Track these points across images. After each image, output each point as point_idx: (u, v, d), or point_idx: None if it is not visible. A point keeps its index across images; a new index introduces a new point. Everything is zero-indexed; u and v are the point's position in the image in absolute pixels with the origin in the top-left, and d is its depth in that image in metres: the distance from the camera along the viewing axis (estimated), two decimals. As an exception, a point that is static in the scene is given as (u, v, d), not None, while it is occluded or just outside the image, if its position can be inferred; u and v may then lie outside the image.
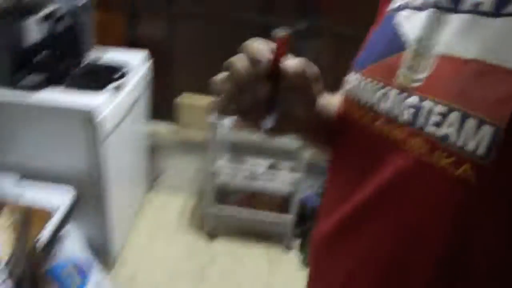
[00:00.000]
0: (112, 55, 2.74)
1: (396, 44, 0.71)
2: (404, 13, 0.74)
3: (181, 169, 3.42)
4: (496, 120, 0.52)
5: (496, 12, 0.58)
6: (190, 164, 3.37)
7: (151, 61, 2.91)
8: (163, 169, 3.46)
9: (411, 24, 0.70)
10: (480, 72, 0.56)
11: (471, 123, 0.55)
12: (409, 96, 0.65)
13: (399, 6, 0.76)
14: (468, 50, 0.59)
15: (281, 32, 0.65)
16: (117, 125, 2.41)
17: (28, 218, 1.91)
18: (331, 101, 0.89)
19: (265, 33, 0.72)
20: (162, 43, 3.25)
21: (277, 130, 0.71)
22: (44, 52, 2.30)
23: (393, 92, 0.69)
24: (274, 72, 0.65)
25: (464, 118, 0.56)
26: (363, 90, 0.75)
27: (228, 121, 2.71)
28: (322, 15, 3.02)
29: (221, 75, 0.67)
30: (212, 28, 3.21)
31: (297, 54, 0.67)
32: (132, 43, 3.19)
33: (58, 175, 2.33)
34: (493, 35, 0.57)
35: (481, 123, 0.54)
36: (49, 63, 2.31)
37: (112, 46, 2.94)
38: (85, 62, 2.57)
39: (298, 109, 0.72)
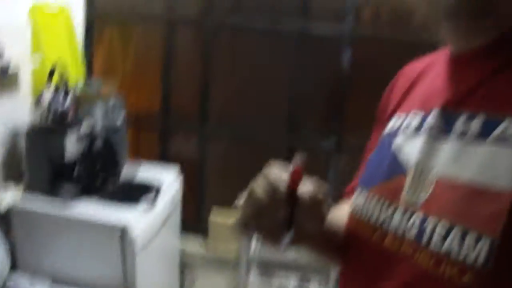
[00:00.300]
0: (146, 171, 2.79)
1: (397, 167, 0.81)
2: (400, 138, 0.85)
3: (212, 285, 3.35)
4: (491, 234, 0.61)
5: (482, 140, 0.68)
6: (221, 280, 3.31)
7: (182, 177, 2.95)
8: (194, 285, 3.40)
9: (408, 149, 0.81)
10: (474, 193, 0.66)
11: (470, 237, 0.64)
12: (413, 214, 0.74)
13: (394, 131, 0.88)
14: (461, 174, 0.69)
15: (297, 161, 0.75)
16: (150, 241, 2.39)
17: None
18: (336, 213, 0.98)
19: (290, 152, 0.79)
20: (193, 160, 3.31)
21: (293, 245, 0.79)
22: (81, 167, 2.35)
23: (399, 211, 0.77)
24: (290, 196, 0.75)
25: (464, 233, 0.64)
26: (371, 208, 0.84)
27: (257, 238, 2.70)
28: (347, 132, 3.08)
29: (243, 199, 0.78)
30: (241, 147, 3.29)
31: (324, 170, 0.74)
32: (165, 159, 3.27)
33: (88, 285, 2.29)
34: (480, 161, 0.67)
35: (479, 237, 0.63)
36: (86, 177, 2.35)
37: (146, 161, 3.00)
38: (121, 177, 2.62)
39: (310, 226, 0.79)
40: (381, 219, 0.81)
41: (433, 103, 0.80)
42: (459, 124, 0.73)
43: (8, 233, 2.31)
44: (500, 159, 0.65)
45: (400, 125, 0.87)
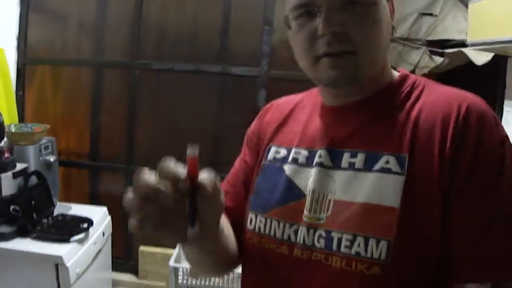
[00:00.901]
0: (77, 210, 2.88)
1: (295, 193, 0.97)
2: (291, 169, 1.00)
3: None
4: (387, 238, 0.82)
5: (368, 169, 0.89)
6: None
7: (109, 216, 3.04)
8: None
9: (303, 177, 0.97)
10: (369, 210, 0.85)
11: (372, 242, 0.83)
12: (317, 230, 0.91)
13: (280, 161, 1.03)
14: (355, 196, 0.88)
15: (191, 150, 0.71)
16: (84, 271, 2.50)
17: None
18: None
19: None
20: (120, 199, 3.39)
21: (197, 240, 0.73)
22: (17, 205, 2.44)
23: (303, 229, 0.92)
24: (191, 187, 0.70)
25: (367, 240, 0.84)
26: (273, 228, 0.97)
27: (187, 268, 2.83)
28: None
29: (133, 199, 0.71)
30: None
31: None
32: (94, 198, 3.37)
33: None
34: (370, 185, 0.87)
35: (378, 241, 0.82)
36: (22, 215, 2.44)
37: (77, 200, 3.10)
38: (54, 214, 2.70)
39: (211, 217, 0.76)
40: (285, 236, 0.95)
41: (317, 142, 0.98)
42: (345, 159, 0.92)
43: None
44: (386, 184, 0.85)
45: (286, 157, 1.02)
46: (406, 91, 0.94)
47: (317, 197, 0.93)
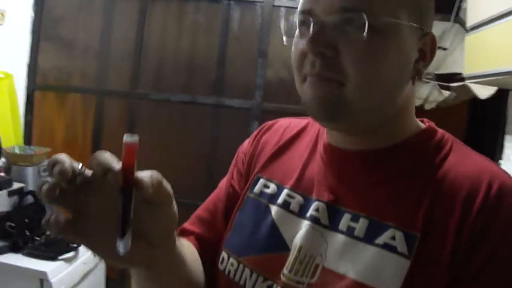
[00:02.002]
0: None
1: (278, 243, 0.81)
2: (280, 212, 0.84)
3: None
4: None
5: (369, 241, 0.72)
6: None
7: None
8: None
9: (291, 228, 0.81)
10: None
11: None
12: None
13: (267, 198, 0.87)
14: (348, 269, 0.72)
15: (130, 138, 0.55)
16: (69, 289, 2.61)
17: None
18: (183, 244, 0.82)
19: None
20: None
21: (131, 257, 0.59)
22: (11, 222, 2.59)
23: (277, 287, 0.78)
24: (124, 184, 0.54)
25: None
26: (244, 277, 0.82)
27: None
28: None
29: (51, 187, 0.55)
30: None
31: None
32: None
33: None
34: (368, 261, 0.71)
35: None
36: (15, 232, 2.58)
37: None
38: (47, 234, 2.82)
39: (154, 232, 0.62)
40: None
41: (315, 190, 0.82)
42: (345, 221, 0.75)
43: None
44: (386, 264, 0.69)
45: (275, 196, 0.86)
46: (430, 150, 0.77)
47: (302, 257, 0.77)
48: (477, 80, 2.77)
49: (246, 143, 1.00)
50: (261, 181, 0.90)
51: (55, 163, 0.54)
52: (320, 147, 0.86)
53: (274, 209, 0.85)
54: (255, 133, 1.01)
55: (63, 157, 0.55)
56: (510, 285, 0.66)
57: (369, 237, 0.72)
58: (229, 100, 3.30)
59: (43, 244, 2.67)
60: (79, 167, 0.56)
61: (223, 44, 3.36)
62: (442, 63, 4.35)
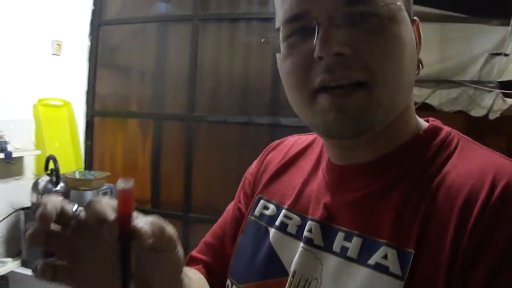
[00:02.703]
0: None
1: (277, 269, 0.77)
2: (277, 234, 0.80)
3: None
4: None
5: (362, 261, 0.67)
6: None
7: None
8: None
9: (288, 251, 0.77)
10: None
11: None
12: None
13: (266, 221, 0.84)
14: None
15: (124, 183, 0.50)
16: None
17: None
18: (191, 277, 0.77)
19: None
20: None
21: None
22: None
23: None
24: (121, 234, 0.51)
25: None
26: None
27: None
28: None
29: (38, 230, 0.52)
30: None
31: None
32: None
33: None
34: (360, 283, 0.66)
35: None
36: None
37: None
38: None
39: (158, 280, 0.60)
40: None
41: (310, 209, 0.78)
42: (338, 240, 0.71)
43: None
44: (379, 286, 0.64)
45: (273, 217, 0.83)
46: (432, 151, 0.70)
47: (297, 281, 0.73)
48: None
49: (254, 164, 0.97)
50: (261, 202, 0.87)
51: (38, 205, 0.51)
52: (323, 164, 0.81)
53: (272, 232, 0.81)
54: (262, 153, 0.97)
55: (48, 200, 0.52)
56: None
57: (362, 258, 0.67)
58: (285, 119, 3.27)
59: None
60: (74, 209, 0.54)
61: (276, 63, 3.34)
62: (504, 70, 4.20)
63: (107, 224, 0.50)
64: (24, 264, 2.68)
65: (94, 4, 3.58)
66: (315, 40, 0.63)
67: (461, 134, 0.73)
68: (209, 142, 3.47)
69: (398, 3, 0.66)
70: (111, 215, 0.50)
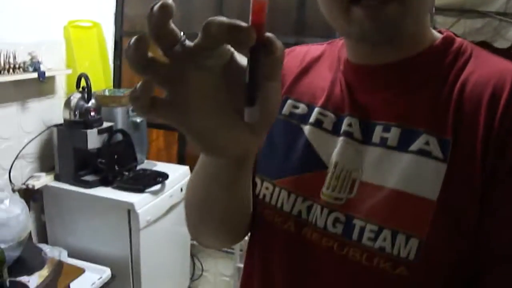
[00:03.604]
0: (160, 167, 3.20)
1: (315, 162, 0.80)
2: (312, 133, 0.82)
3: (219, 270, 3.68)
4: (419, 235, 0.69)
5: (403, 149, 0.73)
6: (228, 264, 3.61)
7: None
8: (203, 269, 3.70)
9: (326, 146, 0.80)
10: (400, 199, 0.71)
11: (401, 238, 0.70)
12: (333, 211, 0.76)
13: (297, 119, 0.85)
14: (386, 180, 0.73)
15: None
16: (154, 221, 2.83)
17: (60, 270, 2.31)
18: None
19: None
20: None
21: (232, 145, 0.54)
22: (101, 158, 2.84)
23: (318, 207, 0.78)
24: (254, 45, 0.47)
25: (394, 234, 0.70)
26: (281, 200, 0.82)
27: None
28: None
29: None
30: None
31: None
32: (182, 159, 3.68)
33: (98, 256, 2.74)
34: (404, 169, 0.71)
35: (408, 237, 0.69)
36: (105, 167, 2.83)
37: (164, 161, 3.44)
38: (136, 170, 3.07)
39: (275, 102, 0.54)
40: (294, 211, 0.80)
41: (345, 107, 0.81)
42: (377, 133, 0.76)
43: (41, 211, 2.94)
44: (423, 169, 0.70)
45: (306, 116, 0.85)
46: (450, 57, 0.77)
47: (338, 173, 0.77)
48: None
49: None
50: (289, 102, 0.88)
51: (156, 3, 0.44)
52: (342, 67, 0.85)
53: (306, 128, 0.83)
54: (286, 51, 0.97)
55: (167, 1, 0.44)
56: None
57: (403, 145, 0.73)
58: (309, 39, 3.31)
59: (131, 178, 2.91)
60: (181, 33, 0.47)
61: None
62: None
63: (243, 29, 0.44)
64: (57, 178, 2.88)
65: None
66: None
67: (472, 44, 0.80)
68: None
69: None
70: (244, 23, 0.45)
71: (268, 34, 0.47)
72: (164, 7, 0.44)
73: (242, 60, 0.49)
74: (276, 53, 0.48)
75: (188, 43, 0.47)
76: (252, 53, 0.47)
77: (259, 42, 0.46)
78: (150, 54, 0.47)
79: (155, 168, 3.17)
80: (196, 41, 0.47)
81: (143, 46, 0.46)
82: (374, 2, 0.68)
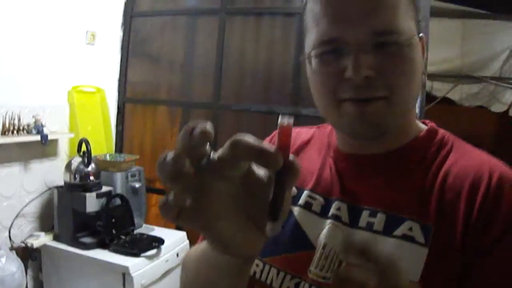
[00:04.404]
0: (158, 232, 3.22)
1: (303, 243, 0.85)
2: (302, 212, 0.88)
3: None
4: None
5: (388, 233, 0.78)
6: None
7: (188, 241, 3.32)
8: None
9: (314, 228, 0.85)
10: None
11: None
12: None
13: (291, 199, 0.84)
14: None
15: (286, 119, 0.51)
16: (150, 285, 2.82)
17: None
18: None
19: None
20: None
21: (246, 244, 0.58)
22: (100, 221, 2.86)
23: (306, 284, 0.82)
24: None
25: None
26: (270, 277, 0.86)
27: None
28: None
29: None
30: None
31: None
32: (179, 226, 3.68)
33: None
34: (389, 252, 0.75)
35: None
36: (103, 230, 2.85)
37: (162, 226, 3.44)
38: (134, 234, 3.08)
39: (285, 209, 0.56)
40: (284, 287, 0.84)
41: (334, 191, 0.87)
42: (364, 217, 0.81)
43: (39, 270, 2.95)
44: (406, 253, 0.75)
45: (296, 198, 0.90)
46: (433, 149, 0.85)
47: (327, 253, 0.82)
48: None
49: None
50: None
51: (196, 124, 0.48)
52: (332, 154, 0.93)
53: (296, 210, 0.89)
54: (267, 139, 1.05)
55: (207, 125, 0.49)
56: None
57: (388, 230, 0.78)
58: (305, 109, 3.38)
59: (128, 242, 2.92)
60: (208, 147, 0.50)
61: (299, 56, 3.46)
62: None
63: (272, 155, 0.48)
64: (56, 238, 2.91)
65: (127, -4, 3.78)
66: (346, 62, 0.76)
67: (453, 135, 0.88)
68: (233, 129, 3.59)
69: (413, 33, 0.80)
70: (271, 147, 0.48)
71: (291, 156, 0.51)
72: (205, 133, 0.48)
73: (259, 170, 0.53)
74: (297, 174, 0.51)
75: (213, 156, 0.50)
76: (278, 174, 0.51)
77: (285, 165, 0.50)
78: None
79: (152, 233, 3.18)
80: (220, 154, 0.49)
81: (181, 163, 0.49)
82: (361, 97, 0.76)
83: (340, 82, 0.78)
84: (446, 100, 4.73)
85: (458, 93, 4.71)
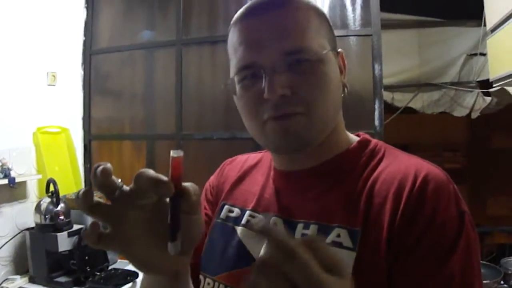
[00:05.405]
0: (132, 266, 3.18)
1: (246, 259, 0.89)
2: (244, 233, 0.94)
3: None
4: None
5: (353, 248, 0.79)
6: None
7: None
8: None
9: (256, 245, 0.89)
10: None
11: None
12: None
13: (232, 222, 0.97)
14: None
15: (176, 153, 0.62)
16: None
17: None
18: None
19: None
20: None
21: (166, 263, 0.69)
22: (73, 259, 2.88)
23: None
24: (174, 193, 0.61)
25: None
26: None
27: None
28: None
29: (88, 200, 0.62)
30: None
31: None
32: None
33: None
34: None
35: None
36: (77, 269, 2.87)
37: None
38: (108, 270, 3.10)
39: (187, 239, 0.66)
40: None
41: (272, 209, 0.93)
42: (298, 230, 0.86)
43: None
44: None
45: (239, 218, 0.97)
46: (364, 158, 0.90)
47: None
48: (504, 81, 2.71)
49: (213, 176, 1.14)
50: (226, 207, 1.02)
51: (98, 165, 0.60)
52: (272, 174, 0.99)
53: (239, 229, 0.96)
54: (220, 167, 1.15)
55: (103, 166, 0.61)
56: (436, 262, 0.74)
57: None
58: (240, 133, 3.44)
59: (103, 278, 2.93)
60: (119, 181, 0.62)
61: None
62: (482, 69, 4.35)
63: (164, 184, 0.60)
64: (32, 280, 2.91)
65: (85, 35, 3.83)
66: (264, 84, 0.81)
67: (386, 144, 0.93)
68: (198, 157, 3.65)
69: (325, 50, 0.85)
70: (165, 178, 0.60)
71: (185, 184, 0.63)
72: (105, 171, 0.60)
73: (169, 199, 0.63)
74: (191, 199, 0.64)
75: (125, 188, 0.62)
76: (172, 200, 0.62)
77: (178, 191, 0.61)
78: (96, 199, 0.62)
79: (127, 267, 3.20)
80: (130, 186, 0.62)
81: (90, 196, 0.61)
82: (280, 114, 0.82)
83: (261, 104, 0.83)
84: (408, 110, 4.84)
85: (420, 101, 4.81)
